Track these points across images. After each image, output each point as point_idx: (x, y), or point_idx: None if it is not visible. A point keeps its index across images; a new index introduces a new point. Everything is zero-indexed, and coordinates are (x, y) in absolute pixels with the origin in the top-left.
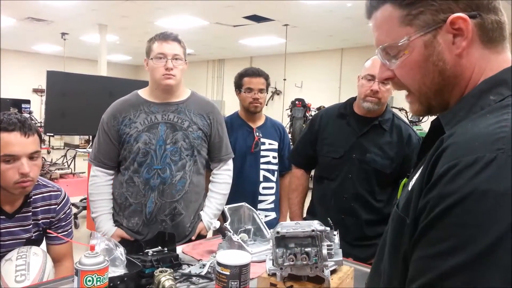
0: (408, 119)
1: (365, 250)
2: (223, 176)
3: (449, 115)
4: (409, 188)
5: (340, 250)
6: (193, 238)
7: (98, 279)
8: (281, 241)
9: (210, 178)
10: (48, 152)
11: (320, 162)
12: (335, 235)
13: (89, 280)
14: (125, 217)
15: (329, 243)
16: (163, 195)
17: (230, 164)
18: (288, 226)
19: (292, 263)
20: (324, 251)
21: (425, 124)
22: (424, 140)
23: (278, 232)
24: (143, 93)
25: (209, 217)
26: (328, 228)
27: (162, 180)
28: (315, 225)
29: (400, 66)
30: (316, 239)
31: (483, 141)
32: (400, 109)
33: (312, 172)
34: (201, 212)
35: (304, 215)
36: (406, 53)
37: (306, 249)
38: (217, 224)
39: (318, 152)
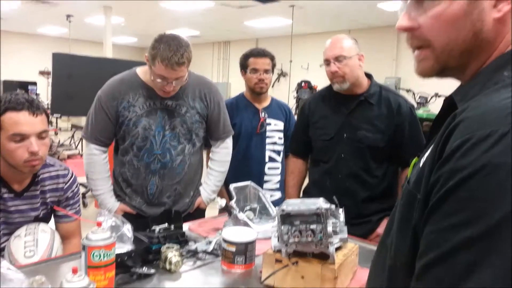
0: (415, 100)
1: (360, 228)
2: (221, 154)
3: (463, 91)
4: (420, 165)
5: (345, 228)
6: (192, 211)
7: (106, 254)
8: (286, 218)
9: (209, 155)
10: (56, 134)
11: (314, 146)
12: (340, 213)
13: (97, 255)
14: (127, 194)
15: (334, 220)
16: (164, 179)
17: (228, 142)
18: (293, 204)
19: (297, 240)
20: (329, 228)
21: (433, 105)
22: (437, 117)
23: (283, 210)
24: (142, 73)
25: (207, 193)
26: (333, 206)
27: (162, 165)
28: (321, 202)
29: (434, 17)
30: (322, 217)
31: (497, 115)
32: (408, 91)
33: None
34: (200, 188)
35: (301, 196)
36: (445, 2)
37: (311, 226)
38: (223, 202)
39: (311, 137)
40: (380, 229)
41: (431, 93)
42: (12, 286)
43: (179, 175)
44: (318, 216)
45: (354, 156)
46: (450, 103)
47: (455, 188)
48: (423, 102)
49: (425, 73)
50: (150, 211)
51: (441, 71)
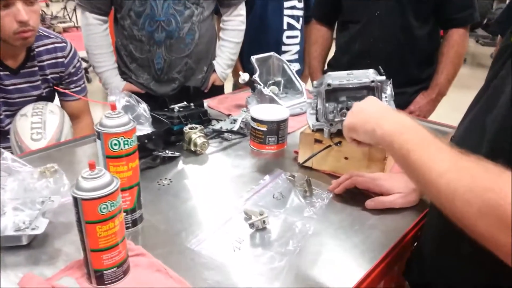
0: None
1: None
2: (234, 22)
3: None
4: None
5: (393, 102)
6: (206, 90)
7: (126, 142)
8: (331, 94)
9: (221, 25)
10: (47, 5)
11: (343, 5)
12: (388, 85)
13: (115, 144)
14: (132, 71)
15: (385, 95)
16: (172, 51)
17: (241, 9)
18: (339, 77)
19: (344, 118)
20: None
21: None
22: None
23: (329, 84)
24: None
25: (222, 68)
26: (383, 78)
27: (168, 34)
28: (371, 74)
29: None
30: (375, 91)
31: None
32: None
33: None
34: (214, 62)
35: (325, 69)
36: None
37: None
38: (245, 76)
39: None
40: (413, 106)
41: None
42: (20, 177)
43: (189, 46)
44: (370, 90)
45: (391, 12)
46: None
47: None
48: None
49: None
50: (159, 89)
51: None
